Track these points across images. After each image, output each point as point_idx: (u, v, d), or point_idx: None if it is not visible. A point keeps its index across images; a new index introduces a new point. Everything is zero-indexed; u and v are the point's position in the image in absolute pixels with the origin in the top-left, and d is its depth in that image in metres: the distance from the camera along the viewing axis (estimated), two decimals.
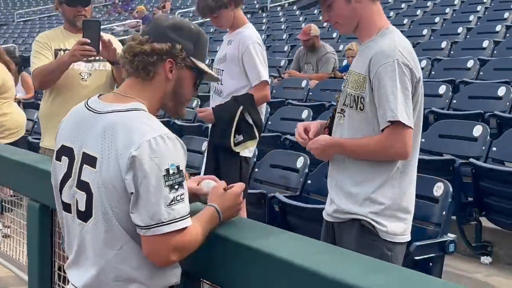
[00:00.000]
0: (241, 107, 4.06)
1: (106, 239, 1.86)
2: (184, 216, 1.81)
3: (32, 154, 3.74)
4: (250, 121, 4.09)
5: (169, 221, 1.77)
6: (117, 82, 3.81)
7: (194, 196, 2.07)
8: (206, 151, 4.63)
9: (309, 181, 4.78)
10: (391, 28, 2.53)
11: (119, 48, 3.61)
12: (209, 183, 2.10)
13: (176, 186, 1.80)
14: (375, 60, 2.42)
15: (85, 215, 1.90)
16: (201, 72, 2.02)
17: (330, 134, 2.62)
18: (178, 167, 1.80)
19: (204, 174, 3.99)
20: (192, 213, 1.88)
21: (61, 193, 2.00)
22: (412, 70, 2.43)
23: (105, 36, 3.76)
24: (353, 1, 2.49)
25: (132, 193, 1.79)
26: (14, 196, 4.11)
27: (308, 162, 4.81)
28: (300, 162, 4.89)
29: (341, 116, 2.57)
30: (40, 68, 3.80)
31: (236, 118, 4.04)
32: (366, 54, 2.50)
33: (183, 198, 1.81)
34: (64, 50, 3.84)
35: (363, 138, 2.49)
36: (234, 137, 4.05)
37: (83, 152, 1.90)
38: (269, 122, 6.97)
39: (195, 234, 1.85)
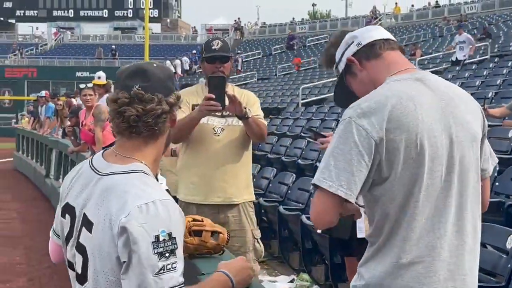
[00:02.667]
0: None
1: None
2: (174, 286, 1.71)
3: None
4: None
5: None
6: (250, 136, 3.94)
7: None
8: None
9: None
10: (387, 80, 2.16)
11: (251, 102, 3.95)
12: None
13: (167, 254, 1.71)
14: None
15: (81, 279, 1.87)
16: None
17: None
18: (170, 234, 1.72)
19: None
20: None
21: (65, 251, 1.96)
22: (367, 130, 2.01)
23: (230, 90, 3.83)
24: (357, 73, 2.27)
25: (124, 261, 1.71)
26: None
27: None
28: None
29: None
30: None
31: None
32: None
33: (175, 268, 1.72)
34: None
35: None
36: None
37: (84, 214, 1.86)
38: None
39: None
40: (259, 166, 9.22)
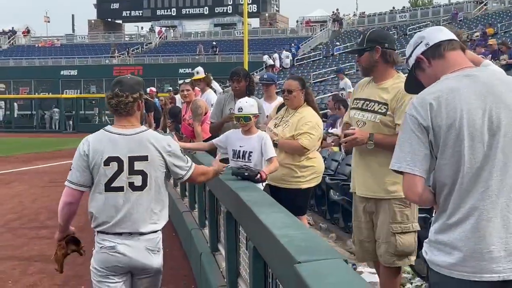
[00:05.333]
0: None
1: (155, 195, 3.64)
2: (192, 165, 3.83)
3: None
4: None
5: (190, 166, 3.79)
6: None
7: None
8: None
9: None
10: (442, 78, 2.68)
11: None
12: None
13: (185, 156, 3.78)
14: None
15: (142, 188, 3.60)
16: (145, 100, 3.94)
17: None
18: (179, 147, 3.79)
19: None
20: None
21: (111, 183, 3.56)
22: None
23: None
24: (426, 68, 2.77)
25: (168, 168, 3.69)
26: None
27: None
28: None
29: None
30: None
31: None
32: None
33: (189, 160, 3.82)
34: None
35: None
36: None
37: (129, 156, 3.58)
38: None
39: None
40: None
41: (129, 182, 3.55)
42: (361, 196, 4.37)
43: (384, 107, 4.19)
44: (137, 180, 3.56)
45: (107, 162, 3.52)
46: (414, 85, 2.90)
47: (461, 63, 2.68)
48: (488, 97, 2.52)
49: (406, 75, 3.03)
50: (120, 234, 3.60)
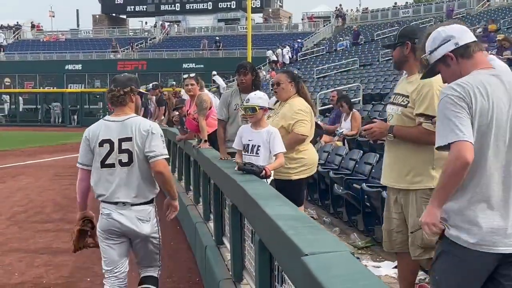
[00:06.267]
0: None
1: (140, 170, 4.38)
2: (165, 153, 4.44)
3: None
4: None
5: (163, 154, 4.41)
6: None
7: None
8: None
9: None
10: (473, 73, 3.03)
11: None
12: None
13: (163, 140, 4.45)
14: None
15: (128, 163, 4.37)
16: (140, 93, 4.68)
17: None
18: (162, 135, 4.45)
19: None
20: None
21: (105, 161, 4.37)
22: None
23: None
24: (452, 65, 3.10)
25: (147, 147, 4.36)
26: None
27: None
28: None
29: None
30: None
31: None
32: None
33: (165, 147, 4.45)
34: None
35: None
36: None
37: (119, 138, 4.37)
38: None
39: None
40: (361, 151, 9.08)
41: (118, 159, 4.34)
42: (392, 188, 4.43)
43: (406, 99, 4.28)
44: (124, 157, 4.35)
45: (101, 144, 4.36)
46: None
47: (485, 64, 3.05)
48: (510, 92, 2.94)
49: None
50: (116, 203, 4.37)
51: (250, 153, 5.18)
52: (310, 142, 6.04)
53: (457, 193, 2.92)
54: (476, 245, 2.89)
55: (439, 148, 2.93)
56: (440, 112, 2.94)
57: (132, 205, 4.36)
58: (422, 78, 3.47)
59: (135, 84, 4.53)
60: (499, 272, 2.95)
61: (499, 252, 2.88)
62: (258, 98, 5.20)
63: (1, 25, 60.74)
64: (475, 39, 3.07)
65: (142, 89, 4.85)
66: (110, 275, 4.52)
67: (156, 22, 58.77)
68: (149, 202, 4.44)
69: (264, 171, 4.83)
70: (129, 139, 4.33)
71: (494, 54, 5.26)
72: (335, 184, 8.51)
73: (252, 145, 5.19)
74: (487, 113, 2.87)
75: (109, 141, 4.34)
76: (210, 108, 7.92)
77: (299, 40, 44.60)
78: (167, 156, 4.44)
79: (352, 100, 13.23)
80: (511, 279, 2.95)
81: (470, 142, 2.80)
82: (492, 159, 2.88)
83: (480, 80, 2.93)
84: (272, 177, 5.16)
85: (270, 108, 5.40)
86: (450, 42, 3.06)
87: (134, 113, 4.49)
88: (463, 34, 3.07)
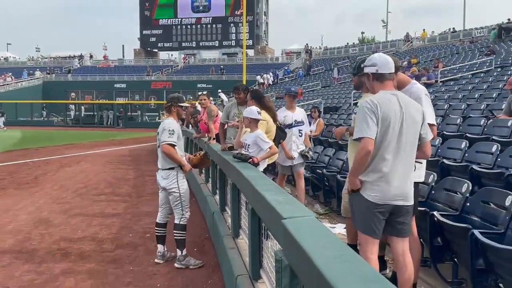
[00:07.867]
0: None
1: (161, 151, 5.04)
2: (173, 141, 5.00)
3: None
4: None
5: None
6: None
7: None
8: None
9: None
10: (380, 92, 3.23)
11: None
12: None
13: (170, 133, 5.00)
14: None
15: (158, 146, 5.09)
16: (182, 107, 5.19)
17: None
18: (170, 130, 5.00)
19: None
20: None
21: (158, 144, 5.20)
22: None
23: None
24: (370, 82, 3.26)
25: (160, 136, 5.10)
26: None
27: None
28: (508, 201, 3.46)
29: None
30: None
31: None
32: None
33: (174, 139, 5.00)
34: None
35: None
36: None
37: (158, 132, 5.15)
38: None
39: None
40: (323, 147, 9.07)
41: (157, 144, 5.19)
42: None
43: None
44: (158, 143, 5.19)
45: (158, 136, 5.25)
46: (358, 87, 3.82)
47: (390, 88, 3.18)
48: (403, 108, 3.09)
49: (368, 93, 3.41)
50: (159, 168, 5.17)
51: (245, 149, 5.18)
52: (274, 143, 5.57)
53: (367, 168, 3.09)
54: (376, 199, 3.09)
55: (355, 140, 3.10)
56: (358, 116, 3.11)
57: (160, 170, 5.12)
58: (356, 74, 3.80)
59: (176, 100, 5.14)
60: (391, 218, 3.14)
61: (388, 204, 3.08)
62: (249, 111, 5.19)
63: (69, 55, 60.36)
64: (391, 71, 3.17)
65: (182, 104, 5.18)
66: (160, 210, 5.30)
67: (179, 54, 58.35)
68: (168, 169, 5.06)
69: (251, 160, 4.82)
70: (159, 133, 5.14)
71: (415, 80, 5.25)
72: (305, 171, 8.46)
73: (245, 143, 5.19)
74: (386, 119, 3.03)
75: (158, 134, 5.24)
76: (217, 115, 7.92)
77: (285, 68, 44.31)
78: (170, 142, 4.96)
79: None
80: (399, 223, 3.13)
81: (372, 138, 3.00)
82: (387, 148, 3.04)
83: (384, 98, 3.08)
84: (265, 165, 5.18)
85: (255, 119, 5.21)
86: (373, 67, 3.17)
87: (171, 117, 5.14)
88: (384, 66, 3.16)
